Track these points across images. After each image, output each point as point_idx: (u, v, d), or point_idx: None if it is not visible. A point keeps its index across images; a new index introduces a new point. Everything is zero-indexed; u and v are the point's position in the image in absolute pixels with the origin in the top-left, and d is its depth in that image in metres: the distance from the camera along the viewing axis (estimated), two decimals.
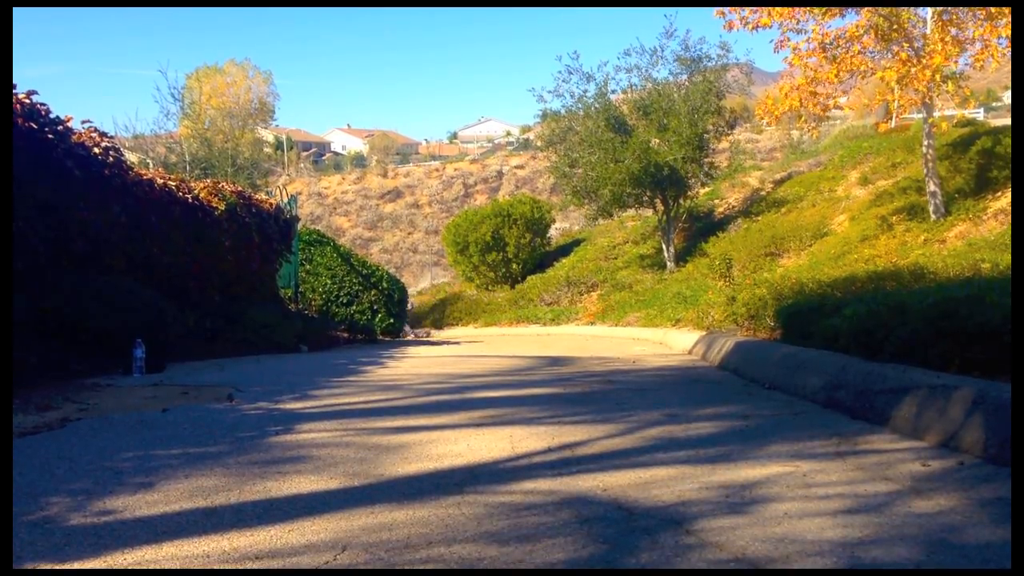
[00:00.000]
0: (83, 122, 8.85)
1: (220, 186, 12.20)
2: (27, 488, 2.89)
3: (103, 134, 9.07)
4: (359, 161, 68.62)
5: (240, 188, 13.62)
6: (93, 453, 3.50)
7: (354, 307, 16.21)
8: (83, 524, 2.49)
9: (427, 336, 20.70)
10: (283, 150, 66.61)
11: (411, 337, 19.16)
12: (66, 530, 2.43)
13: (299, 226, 16.28)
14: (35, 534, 2.38)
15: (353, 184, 54.01)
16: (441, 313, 25.82)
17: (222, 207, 11.55)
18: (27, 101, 7.54)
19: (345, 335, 15.33)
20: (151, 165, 20.96)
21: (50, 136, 7.74)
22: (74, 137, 8.31)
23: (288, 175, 54.65)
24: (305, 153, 75.25)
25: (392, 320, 16.88)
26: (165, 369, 7.02)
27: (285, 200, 15.69)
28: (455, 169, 55.02)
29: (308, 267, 16.34)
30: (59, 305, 6.97)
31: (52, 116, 7.87)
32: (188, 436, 3.90)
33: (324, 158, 77.35)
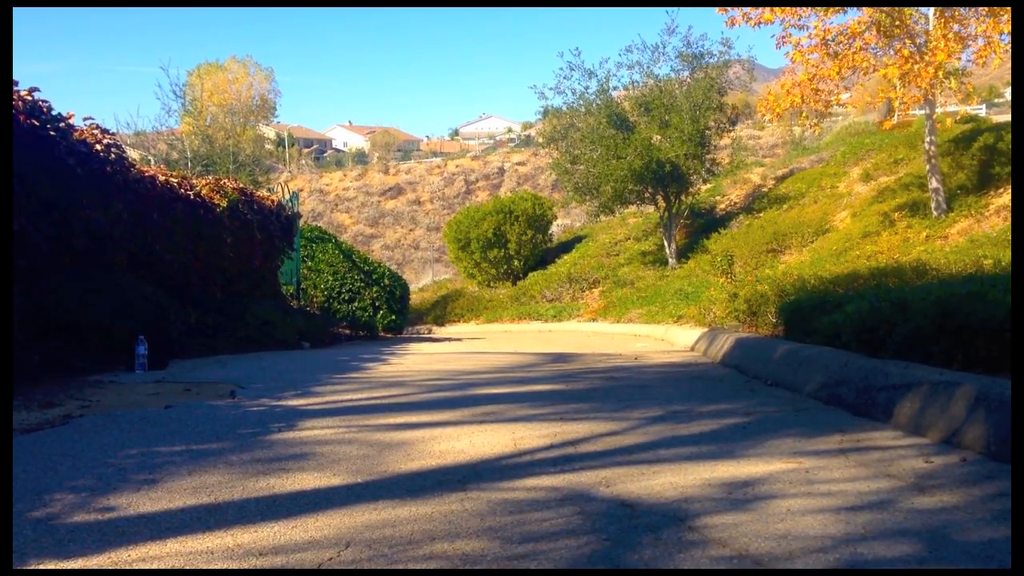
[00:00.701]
0: (85, 119, 8.85)
1: (222, 183, 12.19)
2: (30, 485, 2.89)
3: (105, 131, 9.06)
4: (360, 158, 68.65)
5: (242, 185, 13.60)
6: (96, 450, 3.51)
7: (356, 304, 16.20)
8: (86, 521, 2.50)
9: (429, 333, 20.71)
10: (285, 147, 66.60)
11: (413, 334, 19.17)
12: (69, 527, 2.43)
13: (301, 223, 16.27)
14: (39, 531, 2.39)
15: (354, 181, 54.05)
16: (443, 310, 25.81)
17: (224, 204, 11.54)
18: (29, 98, 7.52)
19: (347, 332, 15.34)
20: (153, 162, 20.98)
21: (52, 133, 7.73)
22: (76, 134, 8.30)
23: (290, 172, 54.65)
24: (307, 150, 75.25)
25: (394, 317, 16.87)
26: (167, 366, 7.02)
27: (287, 197, 15.69)
28: (456, 166, 55.04)
29: (310, 264, 16.34)
30: (62, 302, 6.98)
31: (54, 113, 7.85)
32: (191, 433, 3.90)
33: (326, 155, 77.34)
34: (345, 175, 55.70)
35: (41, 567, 2.12)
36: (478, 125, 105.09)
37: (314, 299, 15.88)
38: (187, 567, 2.12)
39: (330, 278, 16.25)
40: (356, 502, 2.68)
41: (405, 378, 6.51)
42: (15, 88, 7.34)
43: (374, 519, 2.48)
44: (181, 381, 5.97)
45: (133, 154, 16.52)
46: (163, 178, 10.47)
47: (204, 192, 11.31)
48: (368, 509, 2.59)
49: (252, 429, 3.99)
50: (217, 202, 11.43)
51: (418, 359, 8.70)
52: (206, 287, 10.76)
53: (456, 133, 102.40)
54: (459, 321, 24.30)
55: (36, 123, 7.50)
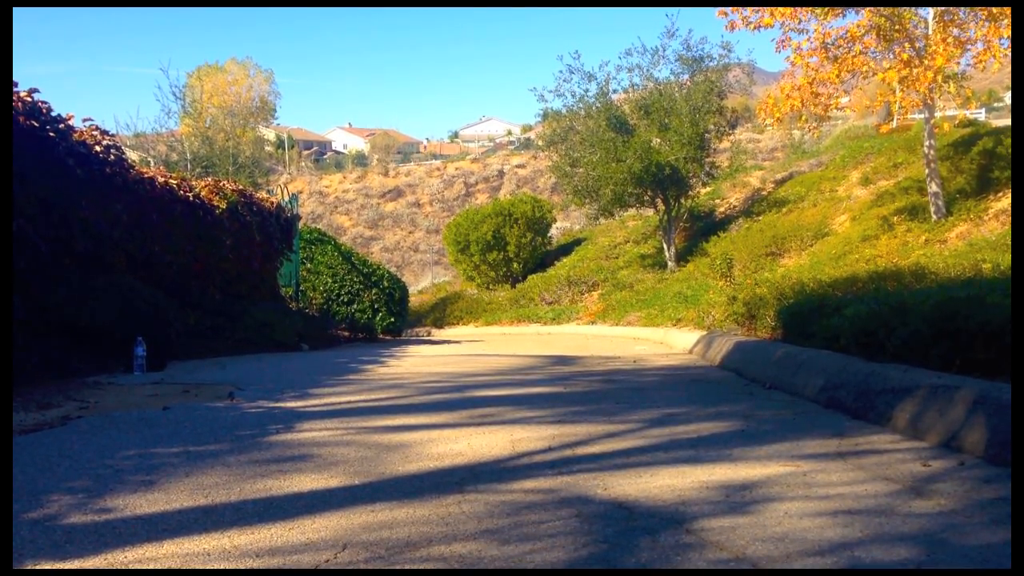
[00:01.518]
0: (84, 120, 8.84)
1: (221, 184, 12.20)
2: (28, 486, 2.89)
3: (104, 132, 9.07)
4: (360, 160, 68.62)
5: (241, 187, 13.61)
6: (94, 451, 3.50)
7: (355, 306, 16.20)
8: (84, 522, 2.49)
9: (428, 335, 20.71)
10: (284, 149, 66.63)
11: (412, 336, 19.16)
12: (67, 528, 2.43)
13: (300, 225, 16.29)
14: (36, 532, 2.38)
15: (354, 183, 54.03)
16: (442, 312, 25.82)
17: (223, 206, 11.55)
18: (28, 99, 7.52)
19: (346, 334, 15.33)
20: (152, 163, 20.98)
21: (51, 134, 7.73)
22: (75, 135, 8.30)
23: (289, 174, 54.66)
24: (306, 152, 75.27)
25: (393, 319, 16.87)
26: (166, 367, 7.02)
27: (286, 199, 15.70)
28: (456, 168, 55.03)
29: (309, 266, 16.34)
30: (60, 303, 6.98)
31: (53, 114, 7.85)
32: (189, 434, 3.90)
33: (325, 157, 77.33)
34: (345, 177, 55.68)
35: (38, 567, 2.11)
36: (478, 128, 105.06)
37: (313, 301, 15.88)
38: (184, 569, 2.12)
39: (329, 280, 16.26)
40: (354, 504, 2.67)
41: (404, 380, 6.51)
42: (15, 89, 7.34)
43: (371, 521, 2.48)
44: (180, 383, 5.97)
45: (133, 155, 16.54)
46: (162, 179, 10.48)
47: (203, 194, 11.32)
48: (366, 511, 2.59)
49: (250, 431, 3.98)
50: (216, 204, 11.44)
51: (417, 361, 8.70)
52: (205, 289, 10.76)
53: (456, 135, 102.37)
54: (458, 323, 24.30)
55: (36, 124, 7.50)
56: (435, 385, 6.04)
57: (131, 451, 3.51)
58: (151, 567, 2.12)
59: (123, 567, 2.12)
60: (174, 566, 2.13)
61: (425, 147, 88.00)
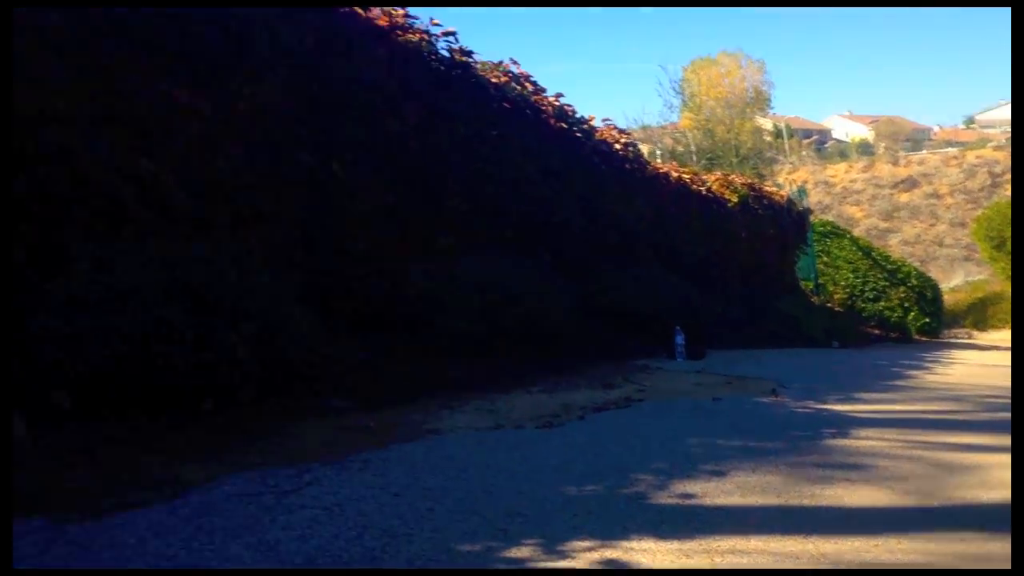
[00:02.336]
0: (604, 120, 9.50)
1: (730, 179, 12.40)
2: (614, 462, 3.19)
3: (621, 131, 9.70)
4: (865, 148, 64.53)
5: (749, 180, 13.67)
6: (661, 435, 3.76)
7: (882, 303, 15.19)
8: (670, 504, 2.67)
9: (969, 338, 18.41)
10: (783, 138, 65.46)
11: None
12: (657, 508, 2.63)
13: (810, 217, 15.85)
14: (632, 508, 2.61)
15: (861, 172, 51.12)
16: (981, 314, 22.74)
17: (734, 199, 11.70)
18: (556, 103, 8.25)
19: (876, 332, 14.41)
20: (659, 155, 22.13)
21: (577, 135, 8.48)
22: (596, 135, 8.99)
23: (791, 163, 53.59)
24: (805, 141, 73.02)
25: (927, 319, 15.46)
26: (704, 356, 7.12)
27: (794, 190, 15.41)
28: (976, 156, 49.03)
29: (825, 259, 15.78)
30: (603, 290, 7.61)
31: (577, 116, 8.59)
32: (744, 428, 3.98)
33: (826, 145, 74.26)
34: (850, 167, 52.88)
35: (640, 545, 2.26)
36: (997, 112, 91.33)
37: (834, 295, 15.30)
38: (775, 567, 2.14)
39: (850, 275, 15.49)
40: (934, 527, 2.51)
41: (957, 391, 5.94)
42: (543, 94, 8.09)
43: (962, 550, 2.30)
44: (719, 374, 6.07)
45: (643, 148, 17.62)
46: (675, 175, 10.92)
47: (714, 188, 11.59)
48: (954, 538, 2.40)
49: (803, 432, 3.95)
50: (728, 197, 11.63)
51: (967, 370, 7.79)
52: (725, 280, 10.93)
53: (972, 121, 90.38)
54: (1003, 327, 21.23)
55: (564, 126, 8.27)
56: (998, 401, 5.31)
57: (693, 439, 3.69)
58: (744, 561, 2.17)
59: (717, 555, 2.21)
60: (764, 564, 2.16)
61: (936, 134, 79.38)
